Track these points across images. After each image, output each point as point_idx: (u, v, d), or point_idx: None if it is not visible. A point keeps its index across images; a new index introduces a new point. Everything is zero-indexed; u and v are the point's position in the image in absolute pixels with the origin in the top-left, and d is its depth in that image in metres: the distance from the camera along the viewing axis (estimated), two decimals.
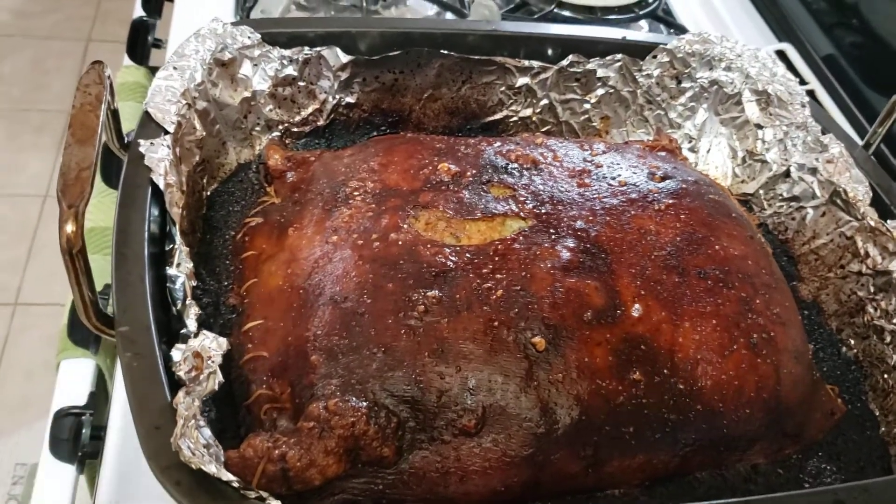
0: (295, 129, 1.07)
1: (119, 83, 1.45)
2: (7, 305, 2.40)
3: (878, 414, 0.91)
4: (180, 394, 0.61)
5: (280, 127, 1.05)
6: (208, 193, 0.97)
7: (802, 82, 1.44)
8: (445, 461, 0.73)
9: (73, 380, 1.02)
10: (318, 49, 1.02)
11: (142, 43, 1.42)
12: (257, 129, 1.04)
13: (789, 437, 0.84)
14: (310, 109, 1.06)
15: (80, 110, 0.71)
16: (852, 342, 0.97)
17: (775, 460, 0.84)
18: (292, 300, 0.81)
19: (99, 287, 0.81)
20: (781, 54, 1.49)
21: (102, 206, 1.25)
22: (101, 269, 0.82)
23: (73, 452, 0.89)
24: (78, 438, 0.88)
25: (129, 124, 0.87)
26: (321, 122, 1.07)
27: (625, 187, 0.92)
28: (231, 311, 0.85)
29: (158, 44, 1.46)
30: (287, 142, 1.06)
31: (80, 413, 0.90)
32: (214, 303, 0.86)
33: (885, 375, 0.91)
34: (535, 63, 1.10)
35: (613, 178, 0.93)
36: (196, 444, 0.60)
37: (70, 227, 0.62)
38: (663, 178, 0.94)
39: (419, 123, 1.12)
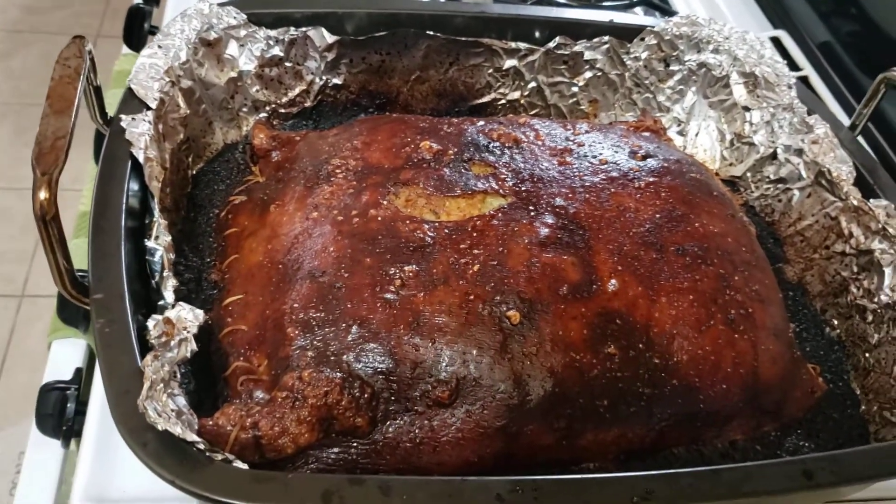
0: (282, 111, 1.07)
1: (116, 71, 1.46)
2: (14, 297, 2.42)
3: (858, 393, 0.90)
4: (148, 357, 0.62)
5: (267, 108, 1.06)
6: (194, 172, 0.98)
7: (797, 69, 1.44)
8: (419, 431, 0.73)
9: (64, 359, 1.03)
10: (304, 29, 1.03)
11: (138, 30, 1.43)
12: (244, 109, 1.05)
13: (768, 414, 0.84)
14: (297, 90, 1.07)
15: (58, 82, 0.72)
16: (836, 322, 0.96)
17: (753, 437, 0.84)
18: (271, 275, 0.82)
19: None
20: (776, 41, 1.49)
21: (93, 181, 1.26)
22: None
23: (57, 427, 0.90)
24: (63, 413, 0.89)
25: None
26: (308, 104, 1.08)
27: (606, 165, 0.92)
28: (213, 287, 0.86)
29: (154, 31, 1.47)
30: (274, 123, 1.07)
31: (66, 388, 0.91)
32: (197, 279, 0.87)
33: (867, 354, 0.91)
34: (523, 45, 1.10)
35: (595, 157, 0.93)
36: (164, 407, 0.61)
37: (43, 194, 0.63)
38: (645, 157, 0.94)
39: (407, 105, 1.12)
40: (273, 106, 1.06)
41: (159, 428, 0.59)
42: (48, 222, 0.64)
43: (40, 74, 3.09)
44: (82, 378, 0.96)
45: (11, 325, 2.34)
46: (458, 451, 0.73)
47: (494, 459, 0.75)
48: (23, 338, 2.32)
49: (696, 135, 1.15)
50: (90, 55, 0.78)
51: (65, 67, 0.73)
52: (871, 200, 0.92)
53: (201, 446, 0.60)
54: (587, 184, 0.89)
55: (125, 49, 1.50)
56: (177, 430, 0.59)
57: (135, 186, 0.79)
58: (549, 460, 0.77)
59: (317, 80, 1.07)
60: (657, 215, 0.87)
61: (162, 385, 0.62)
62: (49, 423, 0.89)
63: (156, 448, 0.59)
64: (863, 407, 0.89)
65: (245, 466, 0.62)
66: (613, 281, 0.80)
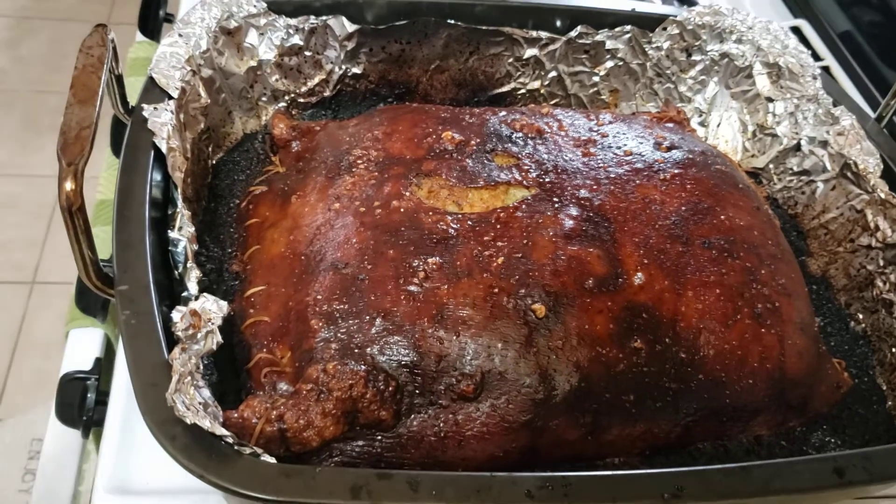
0: (301, 100, 1.07)
1: (131, 58, 1.45)
2: (25, 284, 2.42)
3: (885, 388, 0.90)
4: (176, 350, 0.62)
5: (286, 97, 1.05)
6: (214, 162, 0.97)
7: (818, 58, 1.42)
8: (443, 426, 0.73)
9: (82, 348, 1.03)
10: (325, 18, 1.02)
11: (153, 18, 1.42)
12: (263, 99, 1.04)
13: (793, 410, 0.83)
14: (316, 80, 1.06)
15: (81, 71, 0.71)
16: (861, 317, 0.95)
17: (779, 433, 0.83)
18: (294, 266, 0.81)
19: (107, 256, 0.82)
20: (797, 31, 1.47)
21: (113, 179, 1.26)
22: (111, 239, 0.82)
23: (78, 417, 0.89)
24: (83, 403, 0.89)
25: None
26: (328, 93, 1.07)
27: (630, 157, 0.91)
28: (234, 278, 0.85)
29: (170, 18, 1.46)
30: (293, 112, 1.06)
31: (86, 378, 0.91)
32: (218, 269, 0.86)
33: (894, 350, 0.90)
34: (544, 34, 1.09)
35: (619, 148, 0.92)
36: (192, 400, 0.61)
37: (69, 185, 0.62)
38: (669, 149, 0.93)
39: (426, 95, 1.11)
40: (292, 95, 1.05)
41: (188, 422, 0.58)
42: (74, 213, 0.63)
43: (48, 61, 3.09)
44: (101, 368, 0.96)
45: (22, 313, 2.34)
46: (482, 445, 0.73)
47: (519, 454, 0.74)
48: (34, 325, 2.32)
49: (718, 125, 1.14)
50: (112, 44, 0.77)
51: (88, 56, 0.72)
52: None
53: (230, 440, 0.60)
54: (612, 175, 0.88)
55: (139, 36, 1.49)
56: (205, 423, 0.59)
57: (157, 177, 0.79)
58: (575, 455, 0.77)
59: (336, 69, 1.06)
60: (683, 208, 0.86)
61: (189, 378, 0.62)
62: (70, 413, 0.89)
63: (184, 442, 0.59)
64: (889, 402, 0.88)
65: (273, 460, 0.62)
66: (639, 274, 0.80)
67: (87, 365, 0.98)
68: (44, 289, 2.42)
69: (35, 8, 3.34)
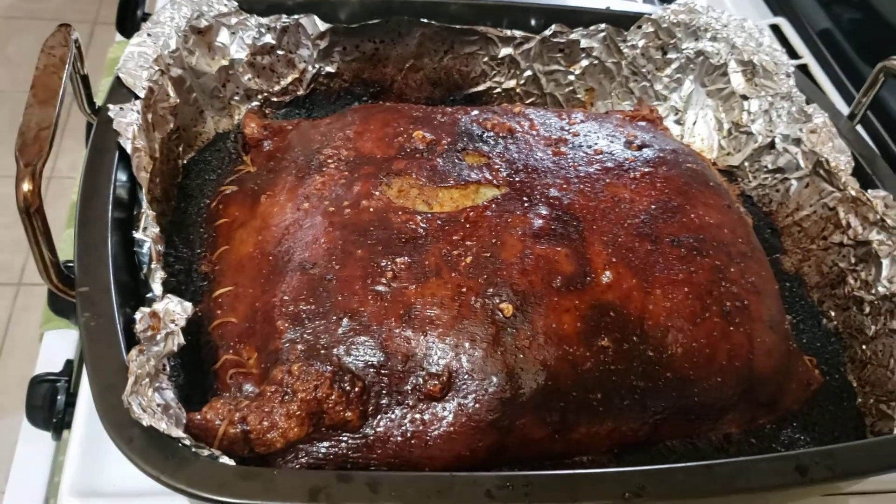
0: (275, 99, 1.06)
1: (110, 58, 1.44)
2: (10, 285, 2.41)
3: (855, 385, 0.90)
4: (133, 352, 0.61)
5: (259, 97, 1.05)
6: (184, 162, 0.97)
7: (796, 56, 1.43)
8: (410, 426, 0.72)
9: (56, 350, 1.02)
10: (297, 17, 1.02)
11: (131, 17, 1.41)
12: (236, 98, 1.03)
13: (763, 407, 0.83)
14: (289, 79, 1.06)
15: (42, 72, 0.70)
16: (833, 314, 0.95)
17: (748, 430, 0.83)
18: (262, 267, 0.81)
19: None
20: (776, 28, 1.48)
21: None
22: None
23: (48, 419, 0.89)
24: (53, 405, 0.88)
25: None
26: (301, 92, 1.07)
27: (601, 156, 0.91)
28: (203, 279, 0.85)
29: (148, 18, 1.45)
30: (267, 112, 1.06)
31: (56, 380, 0.90)
32: (187, 270, 0.86)
33: (864, 346, 0.90)
34: (518, 33, 1.09)
35: (590, 147, 0.92)
36: (150, 402, 0.60)
37: (27, 186, 0.62)
38: (640, 147, 0.93)
39: (401, 94, 1.11)
40: (265, 94, 1.05)
41: (144, 423, 0.58)
42: (32, 214, 0.63)
43: (36, 61, 3.07)
44: (73, 370, 0.95)
45: (8, 315, 2.33)
46: (449, 445, 0.73)
47: (487, 453, 0.74)
48: (19, 327, 2.31)
49: (694, 123, 1.14)
50: (77, 43, 0.77)
51: (49, 56, 0.72)
52: (870, 191, 0.91)
53: (187, 442, 0.60)
54: (582, 174, 0.88)
55: (119, 36, 1.49)
56: (161, 425, 0.58)
57: (122, 177, 0.78)
58: (543, 453, 0.76)
59: (309, 68, 1.06)
60: (652, 206, 0.86)
61: (148, 380, 0.61)
62: (39, 416, 0.89)
63: (141, 444, 0.59)
64: (859, 399, 0.88)
65: (231, 462, 0.61)
66: (607, 273, 0.80)
67: (60, 367, 0.98)
68: (30, 290, 2.41)
69: (22, 8, 3.32)
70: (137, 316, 0.65)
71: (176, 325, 0.68)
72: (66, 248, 1.10)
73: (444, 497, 0.60)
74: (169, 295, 0.70)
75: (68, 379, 0.92)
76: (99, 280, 0.68)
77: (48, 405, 0.88)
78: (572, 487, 0.62)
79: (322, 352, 0.73)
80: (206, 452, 0.60)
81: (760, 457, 0.68)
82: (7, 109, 2.87)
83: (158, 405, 0.61)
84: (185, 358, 0.76)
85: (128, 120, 0.80)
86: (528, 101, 1.15)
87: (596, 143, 0.92)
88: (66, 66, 0.72)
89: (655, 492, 0.62)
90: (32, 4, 3.35)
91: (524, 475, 0.62)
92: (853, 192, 0.92)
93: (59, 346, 1.03)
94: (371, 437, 0.72)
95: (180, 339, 0.67)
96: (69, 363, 0.96)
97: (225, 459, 0.61)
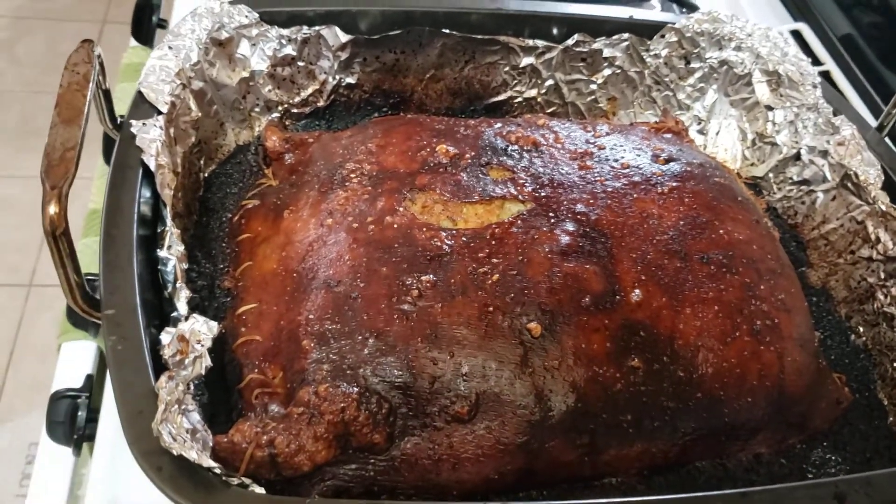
0: (295, 111, 1.05)
1: (125, 64, 1.44)
2: (22, 286, 2.41)
3: (886, 403, 0.88)
4: (163, 378, 0.60)
5: (279, 108, 1.04)
6: (205, 175, 0.96)
7: (818, 63, 1.41)
8: (438, 448, 0.71)
9: (74, 362, 1.02)
10: (318, 28, 1.01)
11: (147, 23, 1.41)
12: (256, 110, 1.02)
13: (793, 427, 0.82)
14: (309, 90, 1.05)
15: (66, 90, 0.69)
16: (861, 330, 0.94)
17: (779, 450, 0.82)
18: (286, 284, 0.80)
19: (97, 269, 0.81)
20: (796, 34, 1.46)
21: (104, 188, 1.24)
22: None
23: (69, 435, 0.88)
24: (74, 421, 0.88)
25: None
26: (321, 103, 1.06)
27: (627, 170, 0.90)
28: (226, 295, 0.84)
29: (163, 24, 1.44)
30: (287, 123, 1.05)
31: (76, 395, 0.89)
32: (209, 286, 0.85)
33: (895, 364, 0.88)
34: (540, 42, 1.08)
35: (616, 161, 0.91)
36: (179, 429, 0.59)
37: (53, 209, 0.61)
38: (667, 161, 0.92)
39: (421, 104, 1.10)
40: (285, 106, 1.04)
41: (174, 453, 0.57)
42: (58, 237, 0.62)
43: (45, 61, 3.07)
44: (93, 384, 0.95)
45: (20, 316, 2.33)
46: (477, 467, 0.72)
47: (515, 476, 0.73)
48: (31, 328, 2.31)
49: (717, 134, 1.12)
50: (99, 59, 0.76)
51: (73, 74, 0.71)
52: None
53: (217, 471, 0.59)
54: (609, 189, 0.87)
55: (133, 42, 1.48)
56: (192, 455, 0.58)
57: (146, 193, 0.77)
58: (571, 476, 0.76)
59: (330, 79, 1.05)
60: (681, 222, 0.85)
61: (177, 406, 0.60)
62: (60, 431, 0.88)
63: (171, 472, 0.58)
64: (891, 418, 0.87)
65: (262, 490, 0.61)
66: (637, 291, 0.78)
67: (79, 380, 0.97)
68: (41, 291, 2.41)
69: (31, 8, 3.32)
70: (165, 339, 0.64)
71: (202, 345, 0.67)
72: (81, 258, 1.09)
73: None
74: (194, 315, 0.69)
75: (89, 394, 0.91)
76: (125, 302, 0.67)
77: (69, 421, 0.88)
78: None
79: (348, 372, 0.72)
80: (235, 481, 0.60)
81: (798, 483, 0.67)
82: (16, 110, 2.87)
83: (187, 431, 0.61)
84: (209, 376, 0.74)
85: (151, 136, 0.79)
86: (549, 111, 1.14)
87: (622, 157, 0.91)
88: (90, 83, 0.71)
89: None
90: (41, 4, 3.34)
91: None
92: (883, 207, 0.91)
93: (77, 358, 1.03)
94: (398, 460, 0.71)
95: (207, 362, 0.66)
96: (89, 378, 0.95)
97: (255, 488, 0.60)
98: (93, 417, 0.88)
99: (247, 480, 0.61)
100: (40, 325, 2.31)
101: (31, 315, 2.34)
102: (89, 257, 1.01)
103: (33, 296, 2.40)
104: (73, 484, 0.98)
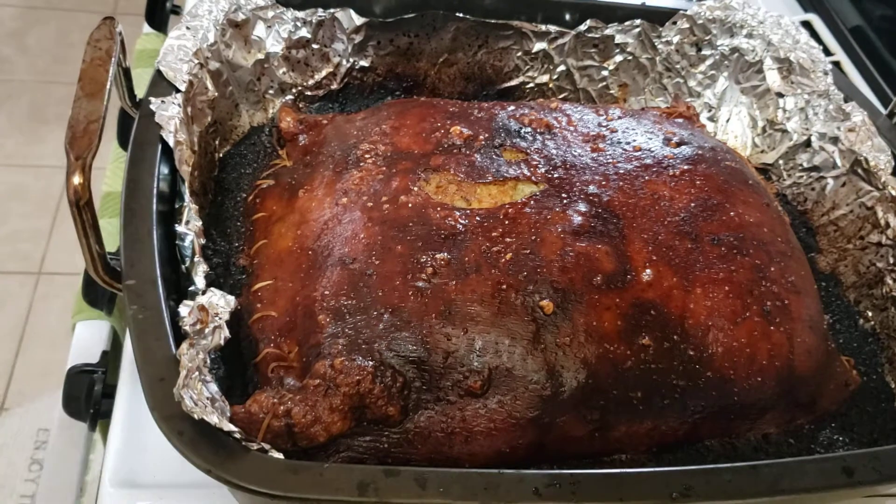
0: (308, 93, 1.06)
1: (138, 50, 1.45)
2: (31, 274, 2.43)
3: (893, 386, 0.89)
4: (184, 345, 0.61)
5: (293, 90, 1.05)
6: (220, 155, 0.97)
7: (828, 53, 1.41)
8: (450, 421, 0.72)
9: (88, 341, 1.03)
10: (332, 11, 1.02)
11: (160, 9, 1.42)
12: (270, 92, 1.03)
13: (802, 407, 0.83)
14: (323, 73, 1.06)
15: (89, 65, 0.70)
16: (870, 314, 0.95)
17: (787, 430, 0.83)
18: (301, 261, 0.81)
19: (114, 249, 0.82)
20: (807, 25, 1.46)
21: (120, 172, 1.26)
22: (117, 232, 0.82)
23: (85, 410, 0.89)
24: (90, 396, 0.89)
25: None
26: (335, 86, 1.07)
27: (639, 152, 0.90)
28: (241, 272, 0.85)
29: (177, 10, 1.45)
30: (301, 105, 1.06)
31: (93, 371, 0.91)
32: (225, 263, 0.86)
33: None
34: (553, 28, 1.09)
35: (628, 144, 0.92)
36: (199, 395, 0.61)
37: (77, 179, 0.62)
38: (679, 144, 0.93)
39: (434, 89, 1.11)
40: (299, 88, 1.05)
41: (196, 417, 0.58)
42: (82, 207, 0.63)
43: (56, 51, 3.08)
44: (109, 361, 0.96)
45: (29, 303, 2.35)
46: (489, 441, 0.73)
47: (526, 450, 0.74)
48: (40, 316, 2.33)
49: (728, 121, 1.13)
50: (120, 36, 0.77)
51: (96, 49, 0.72)
52: None
53: (237, 436, 0.60)
54: (621, 171, 0.88)
55: (146, 28, 1.49)
56: (213, 419, 0.59)
57: (165, 170, 0.78)
58: (581, 451, 0.77)
59: (344, 62, 1.06)
60: (692, 204, 0.85)
61: (197, 373, 0.62)
62: (77, 406, 0.89)
63: (192, 437, 0.59)
64: None
65: (281, 456, 0.62)
66: (648, 271, 0.79)
67: (94, 358, 0.98)
68: (50, 279, 2.42)
69: None
70: (185, 309, 0.65)
71: (220, 318, 0.68)
72: None
73: (492, 494, 0.60)
74: (212, 288, 0.71)
75: (105, 370, 0.92)
76: (146, 273, 0.68)
77: (86, 396, 0.89)
78: (619, 487, 0.62)
79: (363, 346, 0.73)
80: (255, 447, 0.61)
81: (807, 458, 0.68)
82: (26, 99, 2.88)
83: (207, 398, 0.62)
84: (225, 351, 0.76)
85: (169, 113, 0.80)
86: (560, 96, 1.15)
87: (634, 140, 0.92)
88: (113, 59, 0.72)
89: (702, 492, 0.62)
90: None
91: (571, 473, 0.62)
92: (893, 192, 0.92)
93: (91, 336, 1.04)
94: (412, 433, 0.72)
95: (226, 333, 0.67)
96: (105, 354, 0.96)
97: (274, 453, 0.61)
98: (108, 393, 0.90)
99: (266, 446, 0.62)
100: (49, 313, 2.33)
101: (39, 303, 2.36)
102: (105, 238, 1.02)
103: (42, 284, 2.41)
104: (86, 458, 0.99)
